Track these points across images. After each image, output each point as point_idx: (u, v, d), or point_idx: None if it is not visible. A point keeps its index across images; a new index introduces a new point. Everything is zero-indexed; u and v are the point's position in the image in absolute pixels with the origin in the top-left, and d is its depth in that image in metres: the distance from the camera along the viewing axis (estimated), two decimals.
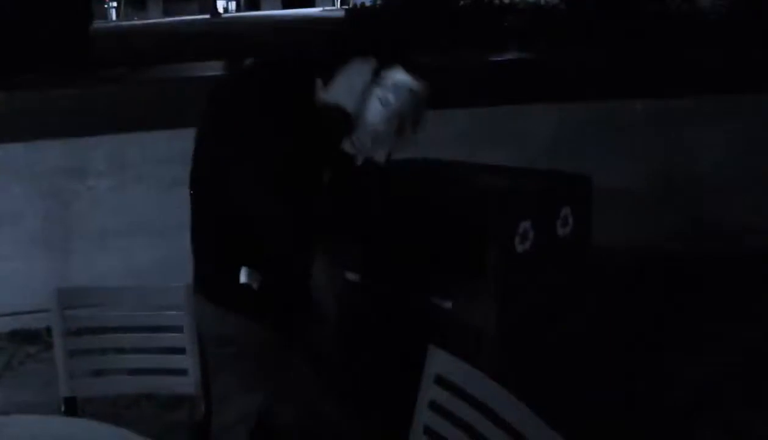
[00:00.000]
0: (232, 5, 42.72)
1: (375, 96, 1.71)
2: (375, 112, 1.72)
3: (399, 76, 1.73)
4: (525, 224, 2.25)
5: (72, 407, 2.10)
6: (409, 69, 1.74)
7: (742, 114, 4.36)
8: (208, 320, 1.91)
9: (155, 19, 36.54)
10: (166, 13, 39.79)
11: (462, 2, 9.94)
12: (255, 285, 1.80)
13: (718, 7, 8.93)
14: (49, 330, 3.62)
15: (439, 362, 1.63)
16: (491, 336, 2.23)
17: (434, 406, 1.60)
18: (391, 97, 1.71)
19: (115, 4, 41.34)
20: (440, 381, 1.61)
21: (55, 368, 2.16)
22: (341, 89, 1.72)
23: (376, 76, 1.72)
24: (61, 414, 2.08)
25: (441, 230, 2.23)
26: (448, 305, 2.22)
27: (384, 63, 1.73)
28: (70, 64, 6.70)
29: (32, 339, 3.75)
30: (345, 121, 1.72)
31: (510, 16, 9.61)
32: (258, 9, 37.79)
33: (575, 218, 2.44)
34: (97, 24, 12.14)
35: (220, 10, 37.39)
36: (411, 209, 2.23)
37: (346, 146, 1.75)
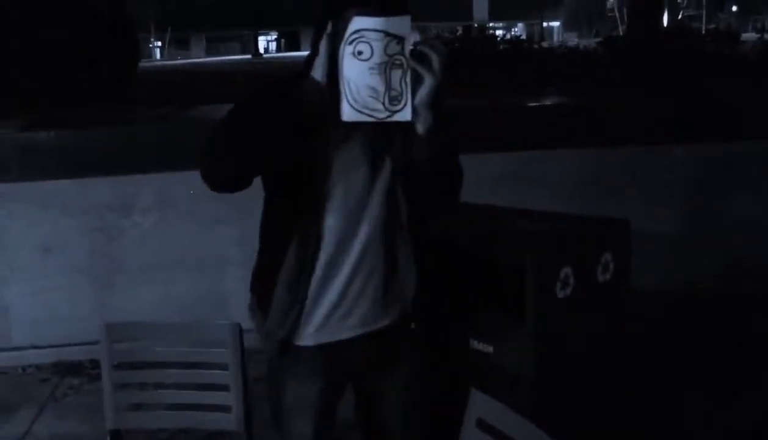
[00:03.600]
0: (273, 45, 43.62)
1: (348, 54, 1.60)
2: (353, 67, 1.60)
3: (362, 23, 1.59)
4: (566, 270, 2.26)
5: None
6: (377, 12, 1.59)
7: None
8: None
9: (198, 58, 37.42)
10: (209, 53, 40.74)
11: (502, 46, 10.05)
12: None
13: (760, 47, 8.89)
14: (92, 361, 3.76)
15: (481, 405, 1.64)
16: (530, 380, 2.23)
17: None
18: (362, 47, 1.59)
19: (159, 43, 42.47)
20: (481, 425, 1.62)
21: (99, 400, 2.21)
22: (315, 72, 1.64)
23: (338, 34, 1.61)
24: None
25: (482, 274, 2.25)
26: (489, 349, 2.23)
27: (341, 19, 1.60)
28: (119, 102, 6.92)
29: (75, 370, 3.84)
30: (325, 94, 1.62)
31: (547, 60, 9.68)
32: (298, 49, 38.51)
33: (616, 264, 2.44)
34: (142, 63, 12.49)
35: (261, 50, 38.20)
36: (452, 253, 2.26)
37: (346, 114, 1.62)
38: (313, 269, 1.79)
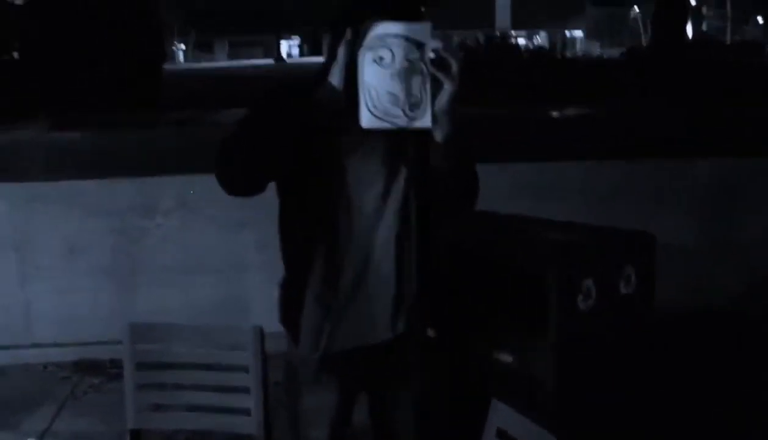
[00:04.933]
0: (295, 51, 43.86)
1: (368, 59, 1.60)
2: (373, 73, 1.59)
3: (384, 28, 1.59)
4: (588, 282, 2.25)
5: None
6: (397, 16, 1.60)
7: None
8: None
9: (221, 62, 37.69)
10: (231, 57, 41.01)
11: (525, 55, 10.04)
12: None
13: None
14: (112, 361, 3.79)
15: (501, 415, 1.64)
16: (550, 391, 2.23)
17: None
18: (384, 52, 1.59)
19: (183, 46, 42.84)
20: (501, 435, 1.62)
21: (118, 399, 2.23)
22: (332, 78, 1.64)
23: (357, 40, 1.60)
24: None
25: (504, 284, 2.25)
26: (509, 359, 2.23)
27: (361, 24, 1.60)
28: (143, 104, 6.99)
29: (96, 369, 3.87)
30: (341, 100, 1.63)
31: (570, 69, 9.66)
32: (320, 54, 38.69)
33: (638, 277, 2.43)
34: (166, 66, 12.60)
35: (284, 55, 38.43)
36: (474, 262, 2.26)
37: (366, 121, 1.61)
38: (339, 278, 1.79)
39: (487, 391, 1.67)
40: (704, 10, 43.79)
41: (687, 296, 3.94)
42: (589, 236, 2.55)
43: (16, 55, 10.36)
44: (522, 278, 2.26)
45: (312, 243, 1.78)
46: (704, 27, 43.92)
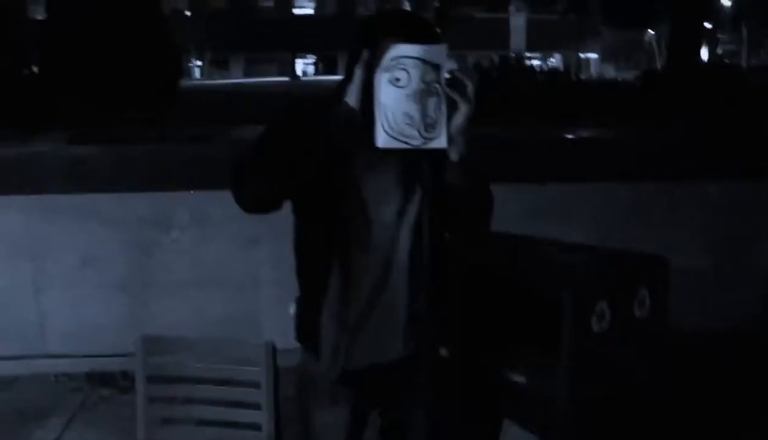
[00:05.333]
0: (310, 68, 44.16)
1: (384, 80, 1.62)
2: (389, 94, 1.61)
3: (400, 50, 1.61)
4: (602, 304, 2.24)
5: None
6: (414, 38, 1.63)
7: None
8: None
9: (236, 78, 37.98)
10: (247, 74, 41.33)
11: (539, 77, 10.06)
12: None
13: None
14: (123, 373, 3.80)
15: (513, 437, 1.63)
16: (563, 413, 2.21)
17: None
18: (400, 74, 1.61)
19: (199, 63, 43.20)
20: None
21: (128, 412, 2.24)
22: (349, 98, 1.66)
23: (374, 61, 1.62)
24: None
25: (517, 305, 2.25)
26: (522, 380, 2.22)
27: (377, 46, 1.63)
28: (159, 119, 7.06)
29: (107, 381, 3.88)
30: (357, 120, 1.64)
31: (584, 92, 9.68)
32: (335, 73, 38.94)
33: (652, 300, 2.42)
34: (183, 83, 12.71)
35: (299, 72, 38.69)
36: (488, 283, 2.25)
37: (382, 141, 1.62)
38: (355, 295, 1.80)
39: (499, 412, 1.66)
40: (719, 33, 43.81)
41: (701, 319, 3.91)
42: (603, 258, 2.54)
43: (35, 69, 10.50)
44: (536, 299, 2.25)
45: (328, 261, 1.79)
46: (719, 51, 43.92)
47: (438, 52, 1.63)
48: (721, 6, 37.96)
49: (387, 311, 1.82)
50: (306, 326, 1.85)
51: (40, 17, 14.88)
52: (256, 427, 2.11)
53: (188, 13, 39.87)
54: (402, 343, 1.84)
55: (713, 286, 4.15)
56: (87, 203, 4.09)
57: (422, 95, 1.63)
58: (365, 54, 1.65)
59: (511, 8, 32.30)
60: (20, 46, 11.15)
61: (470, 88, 1.67)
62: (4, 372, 3.95)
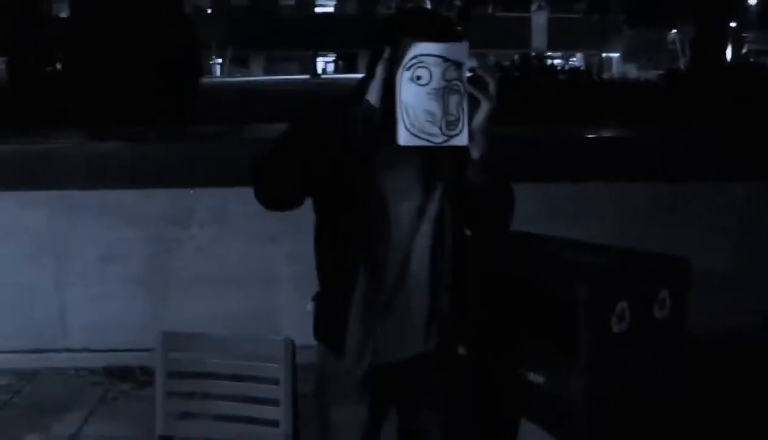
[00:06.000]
0: (331, 67, 44.23)
1: (406, 78, 1.62)
2: (411, 92, 1.62)
3: (422, 48, 1.62)
4: (622, 305, 2.23)
5: None
6: (435, 36, 1.64)
7: None
8: None
9: (257, 76, 38.11)
10: (267, 72, 41.46)
11: (561, 76, 10.01)
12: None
13: None
14: (142, 368, 3.84)
15: (531, 436, 1.63)
16: (582, 414, 2.20)
17: None
18: (421, 72, 1.62)
19: (219, 60, 43.41)
20: None
21: (147, 406, 2.26)
22: (370, 95, 1.66)
23: (395, 59, 1.63)
24: None
25: (537, 304, 2.24)
26: (540, 380, 2.21)
27: (399, 44, 1.63)
28: (180, 117, 7.10)
29: (126, 376, 3.92)
30: (378, 118, 1.65)
31: (606, 91, 9.61)
32: (355, 71, 38.99)
33: (673, 301, 2.40)
34: (203, 79, 12.78)
35: (319, 71, 38.76)
36: (508, 283, 2.25)
37: (403, 139, 1.64)
38: (375, 292, 1.80)
39: (518, 411, 1.66)
40: (744, 33, 43.31)
41: (721, 321, 3.87)
42: (624, 259, 2.53)
43: (59, 66, 10.60)
44: (556, 299, 2.24)
45: (349, 259, 1.79)
46: (744, 50, 43.44)
47: (459, 49, 1.63)
48: (747, 5, 37.50)
49: (406, 309, 1.82)
50: (327, 324, 1.86)
51: (63, 15, 15.04)
52: (274, 423, 2.12)
53: (209, 11, 40.07)
54: (421, 341, 1.84)
55: (735, 287, 4.11)
56: (108, 200, 4.12)
57: (444, 93, 1.63)
58: (386, 52, 1.65)
59: (533, 7, 32.16)
60: (44, 43, 11.27)
61: (492, 85, 1.67)
62: (24, 366, 4.00)
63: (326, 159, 1.69)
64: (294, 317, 2.07)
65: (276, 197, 1.78)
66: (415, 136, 1.65)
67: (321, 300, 1.89)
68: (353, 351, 1.81)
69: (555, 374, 2.23)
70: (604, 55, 44.41)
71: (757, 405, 3.46)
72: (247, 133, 5.33)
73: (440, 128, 1.64)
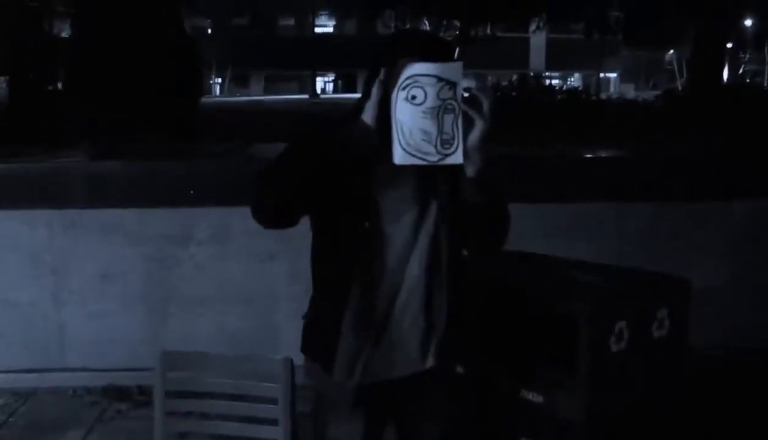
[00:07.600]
0: (330, 86, 44.44)
1: (401, 98, 1.65)
2: (406, 111, 1.64)
3: (417, 69, 1.64)
4: (621, 324, 2.23)
5: None
6: (429, 57, 1.66)
7: None
8: None
9: (256, 96, 38.26)
10: (267, 91, 41.62)
11: (560, 96, 10.06)
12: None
13: None
14: (140, 388, 3.82)
15: None
16: (580, 433, 2.20)
17: None
18: (416, 91, 1.64)
19: (219, 80, 43.58)
20: None
21: (144, 426, 2.25)
22: (366, 115, 1.69)
23: (391, 79, 1.66)
24: None
25: (536, 323, 2.24)
26: (540, 399, 2.21)
27: (394, 66, 1.66)
28: (181, 136, 7.13)
29: (124, 395, 3.90)
30: (373, 137, 1.67)
31: (604, 111, 9.66)
32: (355, 91, 39.13)
33: (672, 321, 2.41)
34: (203, 99, 12.85)
35: (318, 90, 38.94)
36: (507, 301, 2.25)
37: (399, 157, 1.65)
38: (371, 309, 1.80)
39: (516, 431, 1.65)
40: (741, 53, 43.58)
41: (720, 340, 3.87)
42: (623, 278, 2.54)
43: (59, 85, 10.66)
44: (554, 319, 2.25)
45: (345, 276, 1.80)
46: (741, 71, 43.67)
47: (453, 69, 1.66)
48: (744, 26, 37.78)
49: (399, 326, 1.83)
50: (318, 339, 1.86)
51: (64, 35, 15.14)
52: None
53: (210, 31, 40.32)
54: (416, 360, 1.84)
55: (739, 307, 4.11)
56: (108, 218, 4.12)
57: (438, 112, 1.65)
58: (381, 73, 1.68)
59: (532, 28, 32.43)
60: (45, 63, 11.34)
61: (487, 105, 1.69)
62: (22, 385, 3.98)
63: (318, 178, 1.72)
64: (293, 336, 2.06)
65: (271, 214, 1.79)
66: (411, 155, 1.67)
67: (313, 314, 1.89)
68: (343, 367, 1.81)
69: (554, 393, 2.23)
70: (602, 75, 44.66)
71: (760, 420, 3.45)
72: (244, 152, 5.36)
73: (435, 147, 1.66)
